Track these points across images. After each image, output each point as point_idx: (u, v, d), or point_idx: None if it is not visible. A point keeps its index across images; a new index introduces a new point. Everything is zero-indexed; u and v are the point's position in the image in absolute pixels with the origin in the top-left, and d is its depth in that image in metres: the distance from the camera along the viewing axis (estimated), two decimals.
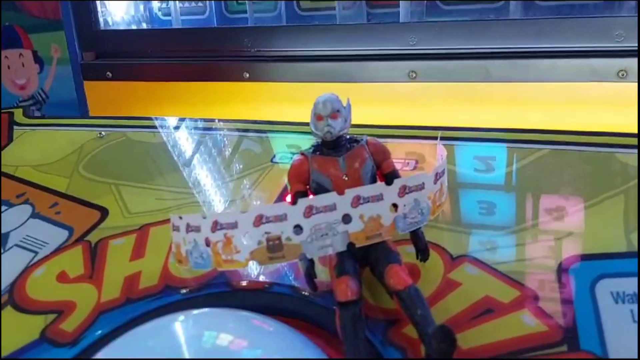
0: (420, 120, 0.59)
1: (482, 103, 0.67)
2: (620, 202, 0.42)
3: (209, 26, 0.87)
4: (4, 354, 0.37)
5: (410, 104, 0.69)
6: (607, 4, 0.67)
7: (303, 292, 0.38)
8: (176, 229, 0.36)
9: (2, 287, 0.43)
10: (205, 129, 0.66)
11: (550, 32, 0.63)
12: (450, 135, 0.54)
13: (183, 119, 0.67)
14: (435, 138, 0.49)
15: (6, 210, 0.53)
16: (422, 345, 0.31)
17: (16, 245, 0.48)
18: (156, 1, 0.90)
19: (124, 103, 0.81)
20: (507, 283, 0.37)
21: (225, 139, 0.63)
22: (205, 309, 0.36)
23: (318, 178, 0.37)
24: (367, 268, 0.36)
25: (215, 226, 0.33)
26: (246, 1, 0.84)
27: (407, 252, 0.38)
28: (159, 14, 0.91)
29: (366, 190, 0.33)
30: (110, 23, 0.86)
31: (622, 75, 0.60)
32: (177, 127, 0.66)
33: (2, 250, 0.47)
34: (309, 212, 0.32)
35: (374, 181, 0.37)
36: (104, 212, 0.51)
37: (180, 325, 0.33)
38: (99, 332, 0.38)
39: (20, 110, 0.73)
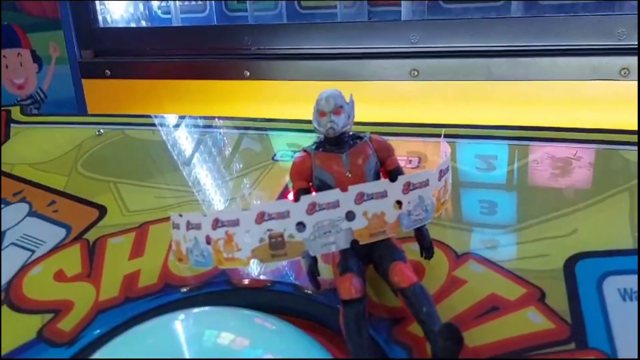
0: (422, 119, 0.59)
1: (483, 101, 0.66)
2: (626, 199, 0.42)
3: (209, 24, 0.86)
4: (1, 354, 0.36)
5: (412, 103, 0.69)
6: (609, 2, 0.67)
7: (306, 291, 0.38)
8: (176, 226, 0.35)
9: None
10: (205, 126, 0.65)
11: (552, 31, 0.63)
12: (452, 132, 0.54)
13: (183, 116, 0.67)
14: (438, 136, 0.48)
15: (3, 208, 0.53)
16: (428, 343, 0.31)
17: (12, 243, 0.47)
18: (156, 0, 0.90)
19: (123, 102, 0.81)
20: (513, 280, 0.36)
21: (225, 137, 0.63)
22: (206, 307, 0.35)
23: (321, 175, 0.36)
24: (371, 266, 0.36)
25: (217, 223, 0.32)
26: (247, 0, 0.84)
27: (412, 250, 0.37)
28: (159, 12, 0.91)
29: (370, 187, 0.32)
30: (109, 21, 0.85)
31: (625, 73, 0.60)
32: (177, 125, 0.66)
33: None
34: (312, 209, 0.31)
35: (377, 178, 0.37)
36: (102, 211, 0.50)
37: (180, 323, 0.32)
38: (97, 331, 0.37)
39: (18, 107, 0.73)
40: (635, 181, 0.44)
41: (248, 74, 0.75)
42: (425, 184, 0.33)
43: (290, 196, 0.39)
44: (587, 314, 0.33)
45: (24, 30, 0.83)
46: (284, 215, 0.31)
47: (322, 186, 0.36)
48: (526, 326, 0.33)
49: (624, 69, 0.60)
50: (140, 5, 0.89)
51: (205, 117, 0.66)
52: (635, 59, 0.59)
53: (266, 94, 0.75)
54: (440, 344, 0.29)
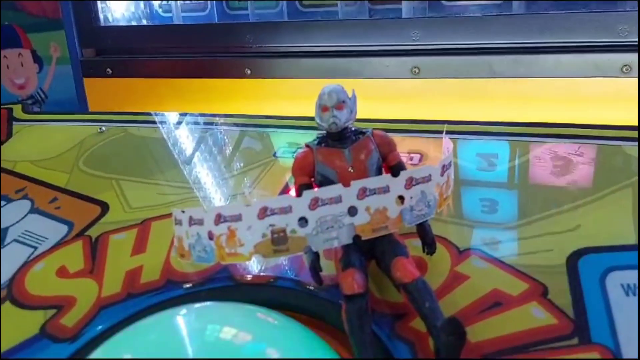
0: (424, 117, 0.59)
1: (485, 99, 0.66)
2: (628, 195, 0.42)
3: (210, 22, 0.86)
4: (3, 350, 0.36)
5: (413, 100, 0.69)
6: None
7: (308, 286, 0.38)
8: (179, 222, 0.35)
9: (1, 283, 0.42)
10: (206, 124, 0.65)
11: (553, 28, 0.63)
12: (454, 129, 0.54)
13: (184, 114, 0.67)
14: (439, 133, 0.48)
15: (5, 205, 0.53)
16: (431, 338, 0.31)
17: (15, 240, 0.47)
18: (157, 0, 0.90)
19: (124, 100, 0.81)
20: (516, 276, 0.36)
21: (226, 135, 0.63)
22: (208, 302, 0.35)
23: (323, 170, 0.36)
24: (373, 261, 0.36)
25: (219, 219, 0.32)
26: (248, 0, 0.84)
27: (414, 246, 0.37)
28: (160, 11, 0.91)
29: (372, 182, 0.32)
30: (111, 19, 0.85)
31: (626, 70, 0.60)
32: (178, 123, 0.66)
33: (1, 246, 0.47)
34: (315, 204, 0.31)
35: (379, 173, 0.37)
36: (104, 207, 0.50)
37: (182, 318, 0.32)
38: (100, 327, 0.37)
39: (20, 105, 0.73)
40: (637, 177, 0.43)
41: (249, 71, 0.75)
42: (428, 179, 0.33)
43: (292, 193, 0.39)
44: (590, 309, 0.33)
45: (25, 31, 0.83)
46: (287, 210, 0.31)
47: (325, 181, 0.36)
48: (529, 321, 0.33)
49: (625, 66, 0.60)
50: (142, 3, 0.89)
51: (206, 115, 0.66)
52: (636, 56, 0.59)
53: (267, 91, 0.75)
54: (443, 339, 0.29)
